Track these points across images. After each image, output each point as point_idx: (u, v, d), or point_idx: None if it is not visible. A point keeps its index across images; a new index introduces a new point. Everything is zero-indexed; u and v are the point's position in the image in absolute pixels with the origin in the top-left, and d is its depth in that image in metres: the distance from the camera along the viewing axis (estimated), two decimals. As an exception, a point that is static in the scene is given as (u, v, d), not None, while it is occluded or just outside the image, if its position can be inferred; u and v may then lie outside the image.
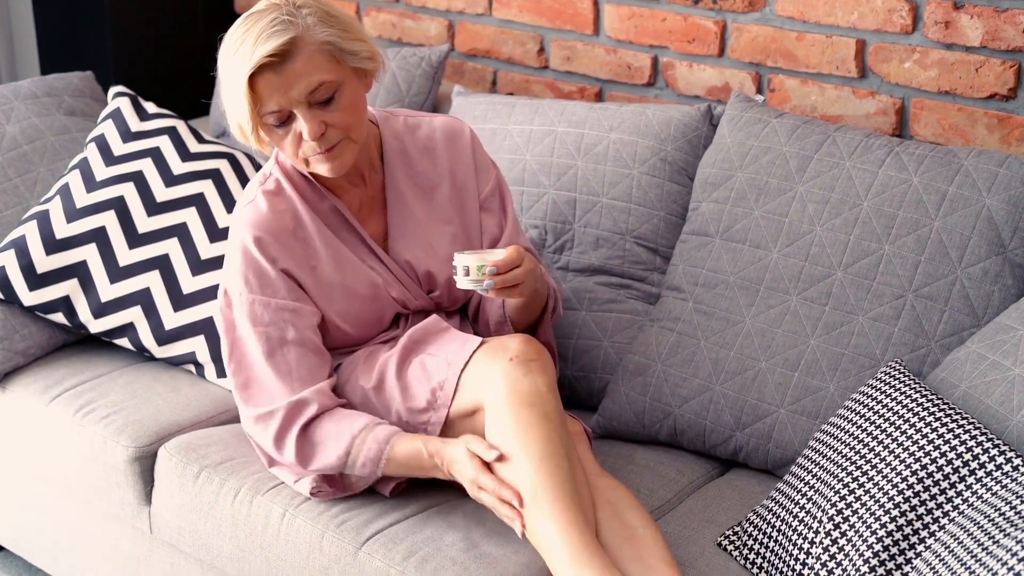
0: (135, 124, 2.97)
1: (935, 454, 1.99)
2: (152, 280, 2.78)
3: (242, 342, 2.32)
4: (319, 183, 2.37)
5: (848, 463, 2.08)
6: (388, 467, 2.23)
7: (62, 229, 2.81)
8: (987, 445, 1.98)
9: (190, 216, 2.83)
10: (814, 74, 2.84)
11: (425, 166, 2.44)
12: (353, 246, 2.39)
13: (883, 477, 2.01)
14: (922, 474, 1.98)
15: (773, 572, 2.13)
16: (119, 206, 2.83)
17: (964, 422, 2.02)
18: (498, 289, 2.20)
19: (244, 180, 2.91)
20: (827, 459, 2.13)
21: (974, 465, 1.97)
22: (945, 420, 2.03)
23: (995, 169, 2.36)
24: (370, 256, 2.40)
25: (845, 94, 2.80)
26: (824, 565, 2.02)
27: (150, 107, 3.03)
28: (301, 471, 2.32)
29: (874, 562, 1.95)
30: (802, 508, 2.11)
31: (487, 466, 2.12)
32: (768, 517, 2.18)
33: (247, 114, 2.18)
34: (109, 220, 2.82)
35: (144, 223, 2.82)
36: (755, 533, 2.19)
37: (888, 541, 1.96)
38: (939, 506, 1.96)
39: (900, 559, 1.94)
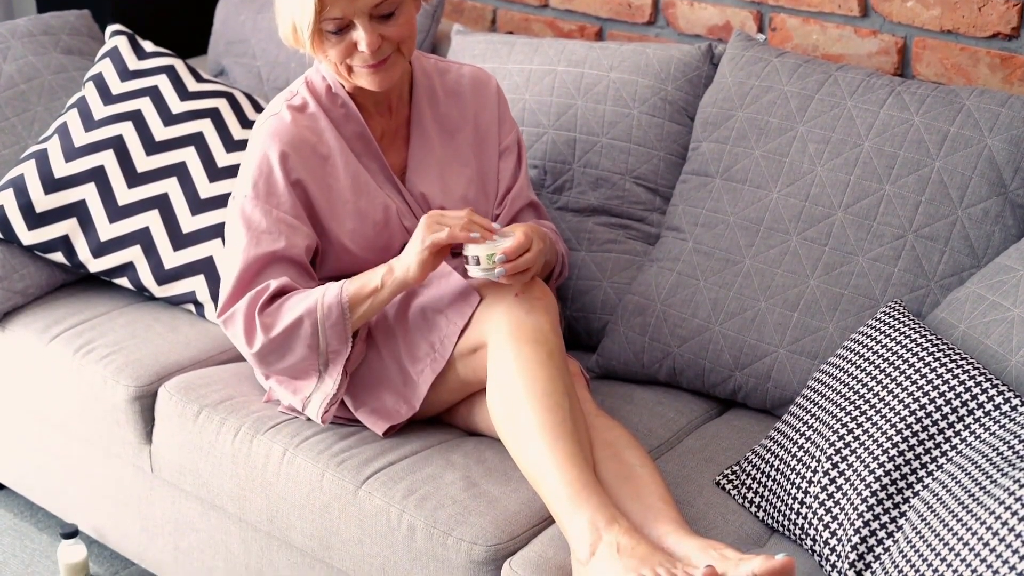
0: (133, 63, 2.96)
1: (934, 394, 2.00)
2: (151, 219, 2.78)
3: (235, 246, 2.32)
4: (350, 104, 2.36)
5: (847, 403, 2.09)
6: (352, 301, 2.23)
7: (61, 168, 2.80)
8: (986, 385, 1.98)
9: (189, 155, 2.82)
10: (816, 13, 2.82)
11: (450, 109, 2.45)
12: (373, 172, 2.39)
13: (881, 417, 2.02)
14: (920, 414, 1.99)
15: (771, 511, 2.14)
16: (118, 145, 2.82)
17: (963, 362, 2.03)
18: (509, 275, 2.21)
19: (243, 119, 2.90)
20: (826, 399, 2.13)
21: (972, 405, 1.97)
22: (944, 360, 2.04)
23: (997, 109, 2.35)
24: (387, 184, 2.40)
25: (847, 33, 2.78)
26: (822, 504, 2.03)
27: (148, 46, 3.01)
28: (280, 363, 2.32)
29: (872, 501, 1.96)
30: (800, 447, 2.11)
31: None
32: (766, 456, 2.19)
33: (311, 17, 2.17)
34: (108, 159, 2.81)
35: (143, 162, 2.81)
36: (753, 472, 2.20)
37: (886, 480, 1.96)
38: (937, 446, 1.96)
39: (898, 498, 1.95)
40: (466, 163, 2.46)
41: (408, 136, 2.44)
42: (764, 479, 2.17)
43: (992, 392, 1.97)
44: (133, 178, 2.80)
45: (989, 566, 1.69)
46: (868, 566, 1.95)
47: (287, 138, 2.31)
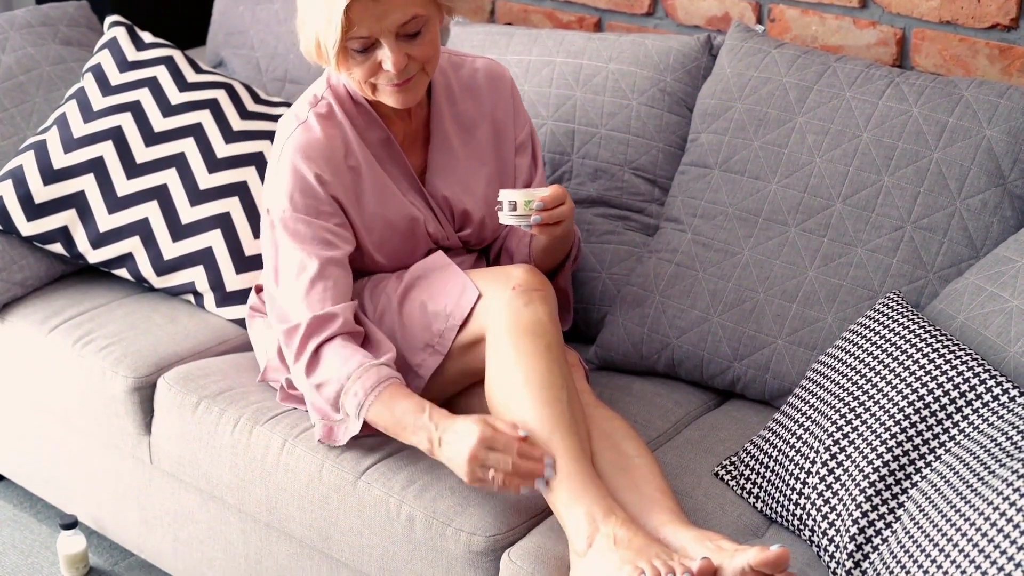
0: (132, 54, 2.96)
1: (932, 385, 2.00)
2: (150, 210, 2.78)
3: (281, 259, 2.30)
4: (371, 111, 2.35)
5: (845, 393, 2.09)
6: (379, 421, 2.18)
7: (60, 159, 2.80)
8: (984, 376, 1.98)
9: (188, 146, 2.82)
10: (815, 4, 2.82)
11: (467, 105, 2.44)
12: (397, 179, 2.38)
13: (880, 407, 2.02)
14: (919, 404, 1.99)
15: (770, 501, 2.14)
16: (117, 136, 2.82)
17: (962, 353, 2.03)
18: (542, 225, 2.20)
19: (242, 110, 2.90)
20: (824, 389, 2.14)
21: (971, 396, 1.97)
22: (942, 351, 2.04)
23: (996, 100, 2.35)
24: (411, 190, 2.39)
25: (846, 24, 2.78)
26: (820, 495, 2.03)
27: (147, 37, 3.01)
28: (309, 398, 2.30)
29: (870, 492, 1.97)
30: (799, 438, 2.11)
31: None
32: (765, 447, 2.19)
33: (337, 36, 2.15)
34: (107, 150, 2.81)
35: (142, 153, 2.81)
36: (752, 463, 2.20)
37: (884, 471, 1.97)
38: (935, 436, 1.97)
39: (896, 488, 1.96)
40: (485, 161, 2.46)
41: (427, 137, 2.43)
42: (762, 470, 2.17)
43: (990, 383, 1.97)
44: (132, 169, 2.80)
45: (987, 557, 1.69)
46: (866, 556, 1.95)
47: (318, 151, 2.29)
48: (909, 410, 1.99)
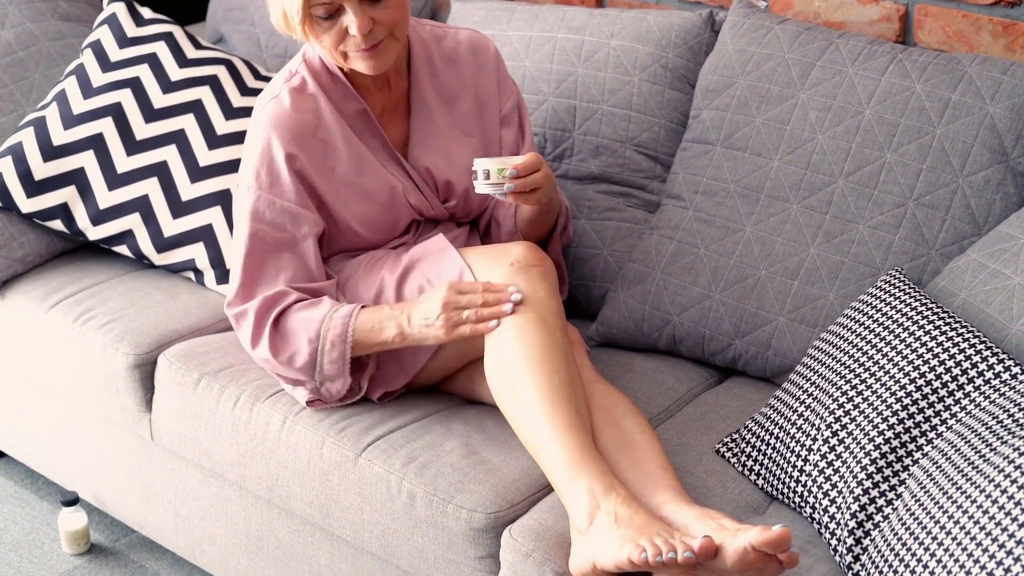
0: (131, 30, 2.95)
1: (934, 362, 2.00)
2: (151, 187, 2.77)
3: (240, 236, 2.32)
4: (347, 84, 2.35)
5: (847, 371, 2.09)
6: (354, 337, 2.22)
7: (59, 136, 2.79)
8: (986, 353, 1.98)
9: (188, 123, 2.81)
10: (817, -20, 2.81)
11: (449, 77, 2.44)
12: (375, 150, 2.38)
13: (881, 385, 2.02)
14: (920, 382, 1.99)
15: (771, 479, 2.14)
16: (116, 113, 2.81)
17: (963, 330, 2.03)
18: (517, 193, 2.20)
19: (242, 86, 2.89)
20: (826, 367, 2.13)
21: (973, 373, 1.97)
22: (944, 328, 2.04)
23: (999, 76, 2.34)
24: (390, 161, 2.39)
25: (848, 0, 2.77)
26: (822, 472, 2.03)
27: (146, 12, 3.00)
28: (281, 370, 2.32)
29: (871, 469, 1.97)
30: (800, 415, 2.11)
31: None
32: (766, 424, 2.19)
33: (300, 3, 2.16)
34: (106, 127, 2.80)
35: (142, 130, 2.80)
36: (753, 440, 2.20)
37: (886, 448, 1.97)
38: (937, 414, 1.96)
39: (898, 466, 1.96)
40: (469, 132, 2.45)
41: (409, 109, 2.42)
42: (764, 447, 2.17)
43: (992, 360, 1.97)
44: (132, 146, 2.80)
45: (988, 533, 1.69)
46: (867, 534, 1.95)
47: (287, 125, 2.30)
48: (911, 387, 1.99)
